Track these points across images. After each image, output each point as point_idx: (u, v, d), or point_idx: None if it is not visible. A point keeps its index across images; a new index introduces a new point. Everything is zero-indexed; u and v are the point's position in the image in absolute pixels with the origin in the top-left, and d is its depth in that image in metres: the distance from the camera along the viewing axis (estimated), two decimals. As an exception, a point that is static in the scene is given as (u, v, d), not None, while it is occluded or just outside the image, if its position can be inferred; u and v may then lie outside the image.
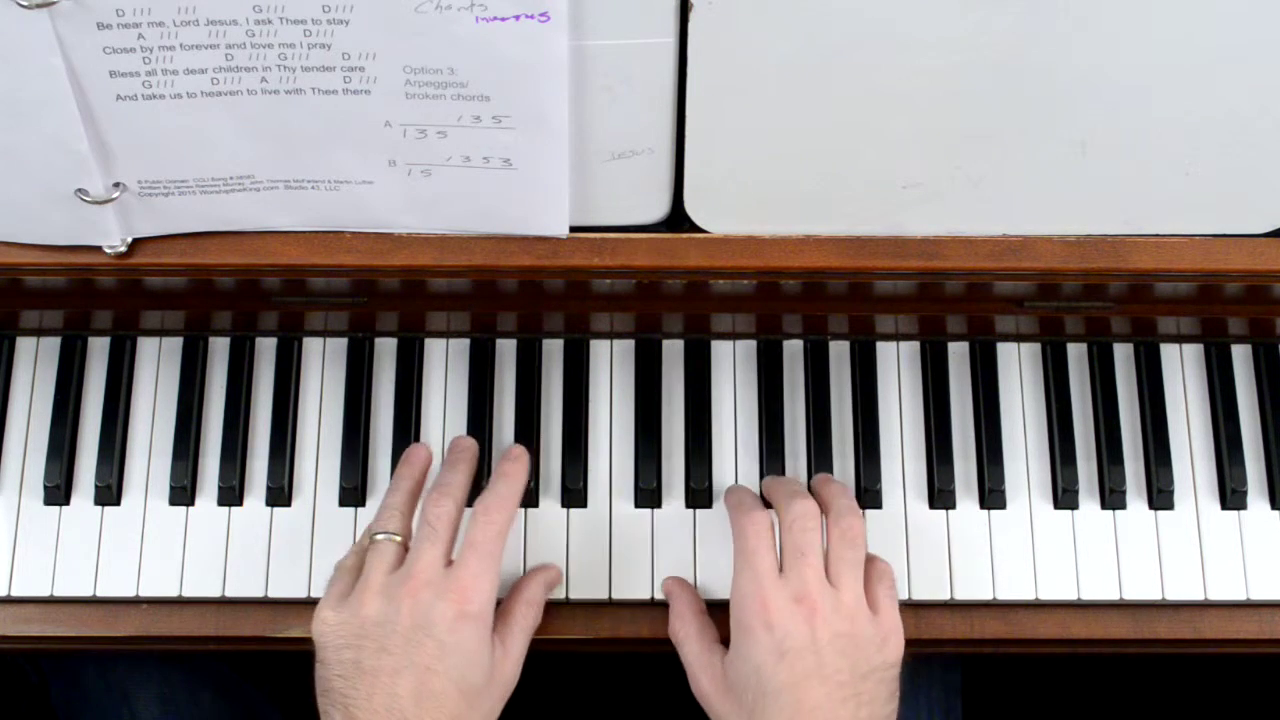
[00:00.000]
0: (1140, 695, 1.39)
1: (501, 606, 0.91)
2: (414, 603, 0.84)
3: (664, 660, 0.93)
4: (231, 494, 0.98)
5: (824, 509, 0.90)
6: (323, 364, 1.01)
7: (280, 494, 0.98)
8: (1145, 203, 0.87)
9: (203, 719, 1.10)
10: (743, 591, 0.86)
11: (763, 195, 0.86)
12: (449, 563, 0.87)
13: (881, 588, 0.88)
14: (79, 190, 0.82)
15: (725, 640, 0.89)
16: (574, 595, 0.96)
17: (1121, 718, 1.40)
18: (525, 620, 0.91)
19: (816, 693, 0.81)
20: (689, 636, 0.91)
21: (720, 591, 0.95)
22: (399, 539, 0.89)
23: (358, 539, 0.95)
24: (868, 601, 0.87)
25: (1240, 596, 0.96)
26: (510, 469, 0.93)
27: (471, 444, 0.97)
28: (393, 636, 0.83)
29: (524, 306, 0.98)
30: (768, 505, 0.96)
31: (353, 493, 0.98)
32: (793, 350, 1.02)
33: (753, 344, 1.02)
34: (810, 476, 0.99)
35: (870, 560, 0.90)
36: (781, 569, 0.86)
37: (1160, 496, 0.98)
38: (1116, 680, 1.40)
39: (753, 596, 0.85)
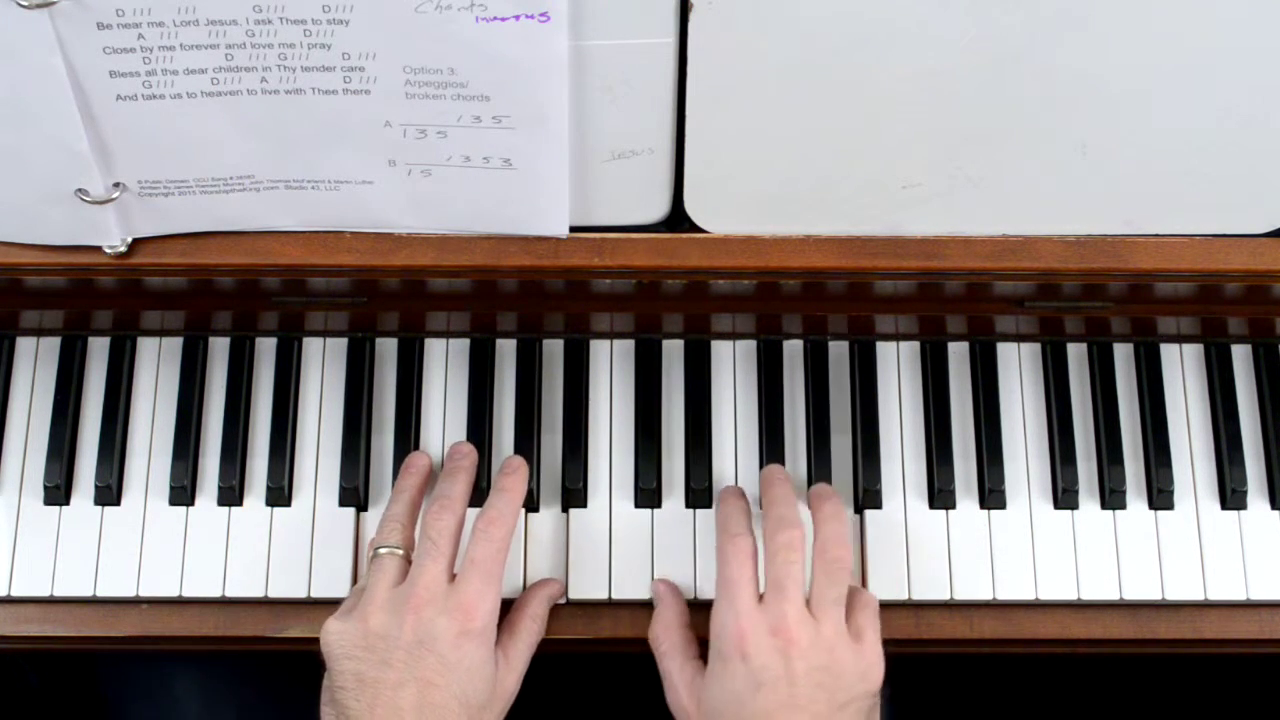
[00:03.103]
0: (1140, 695, 1.39)
1: (506, 619, 0.91)
2: (417, 619, 0.84)
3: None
4: (231, 494, 0.98)
5: (816, 530, 0.90)
6: (323, 364, 1.01)
7: (280, 494, 0.98)
8: (1145, 203, 0.87)
9: (244, 712, 1.10)
10: (721, 620, 0.86)
11: (763, 195, 0.86)
12: (452, 577, 0.87)
13: (864, 616, 0.88)
14: (79, 190, 0.82)
15: (704, 645, 0.89)
16: (574, 595, 0.96)
17: (1121, 718, 1.40)
18: (530, 635, 0.91)
19: None
20: (673, 650, 0.90)
21: (720, 592, 0.95)
22: (401, 552, 0.89)
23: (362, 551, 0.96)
24: (850, 630, 0.87)
25: (1240, 596, 0.96)
26: (508, 483, 0.93)
27: (470, 451, 0.97)
28: (395, 650, 0.83)
29: (524, 306, 0.98)
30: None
31: (353, 493, 0.98)
32: (793, 350, 1.02)
33: (753, 344, 1.02)
34: (810, 475, 0.98)
35: (854, 590, 0.90)
36: (763, 598, 0.86)
37: (1160, 496, 0.98)
38: (1116, 680, 1.39)
39: (731, 627, 0.85)
